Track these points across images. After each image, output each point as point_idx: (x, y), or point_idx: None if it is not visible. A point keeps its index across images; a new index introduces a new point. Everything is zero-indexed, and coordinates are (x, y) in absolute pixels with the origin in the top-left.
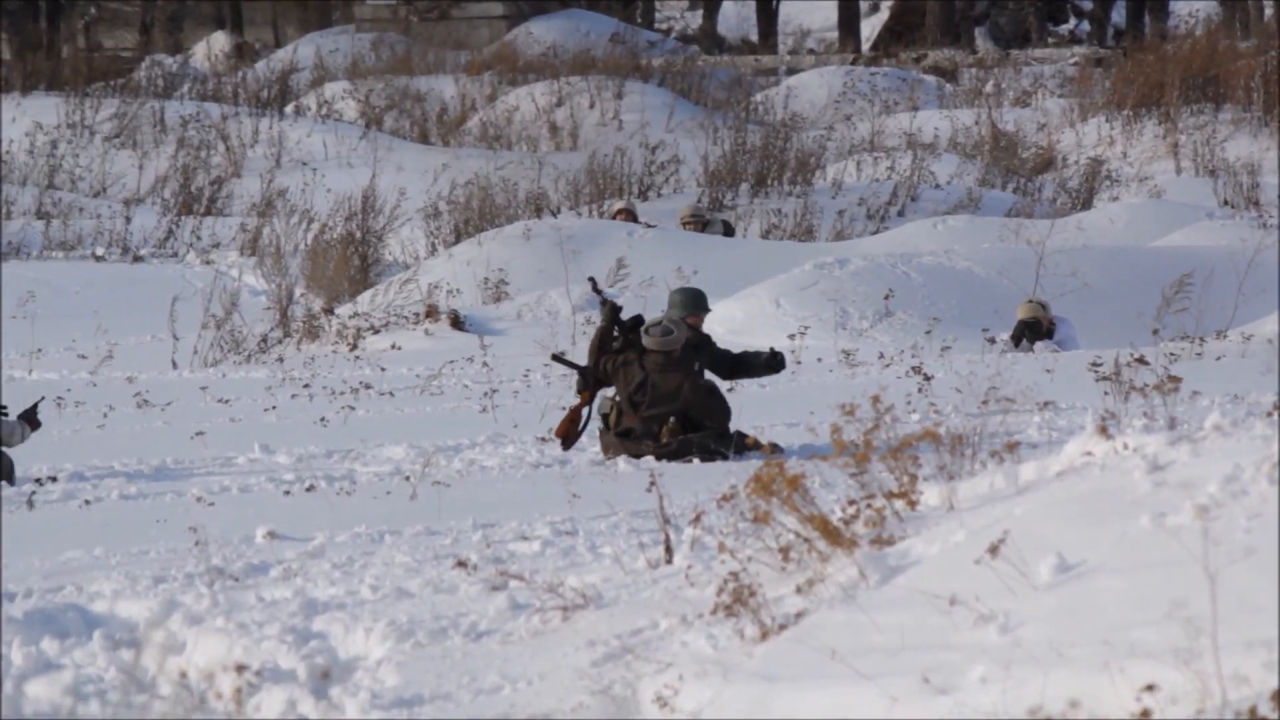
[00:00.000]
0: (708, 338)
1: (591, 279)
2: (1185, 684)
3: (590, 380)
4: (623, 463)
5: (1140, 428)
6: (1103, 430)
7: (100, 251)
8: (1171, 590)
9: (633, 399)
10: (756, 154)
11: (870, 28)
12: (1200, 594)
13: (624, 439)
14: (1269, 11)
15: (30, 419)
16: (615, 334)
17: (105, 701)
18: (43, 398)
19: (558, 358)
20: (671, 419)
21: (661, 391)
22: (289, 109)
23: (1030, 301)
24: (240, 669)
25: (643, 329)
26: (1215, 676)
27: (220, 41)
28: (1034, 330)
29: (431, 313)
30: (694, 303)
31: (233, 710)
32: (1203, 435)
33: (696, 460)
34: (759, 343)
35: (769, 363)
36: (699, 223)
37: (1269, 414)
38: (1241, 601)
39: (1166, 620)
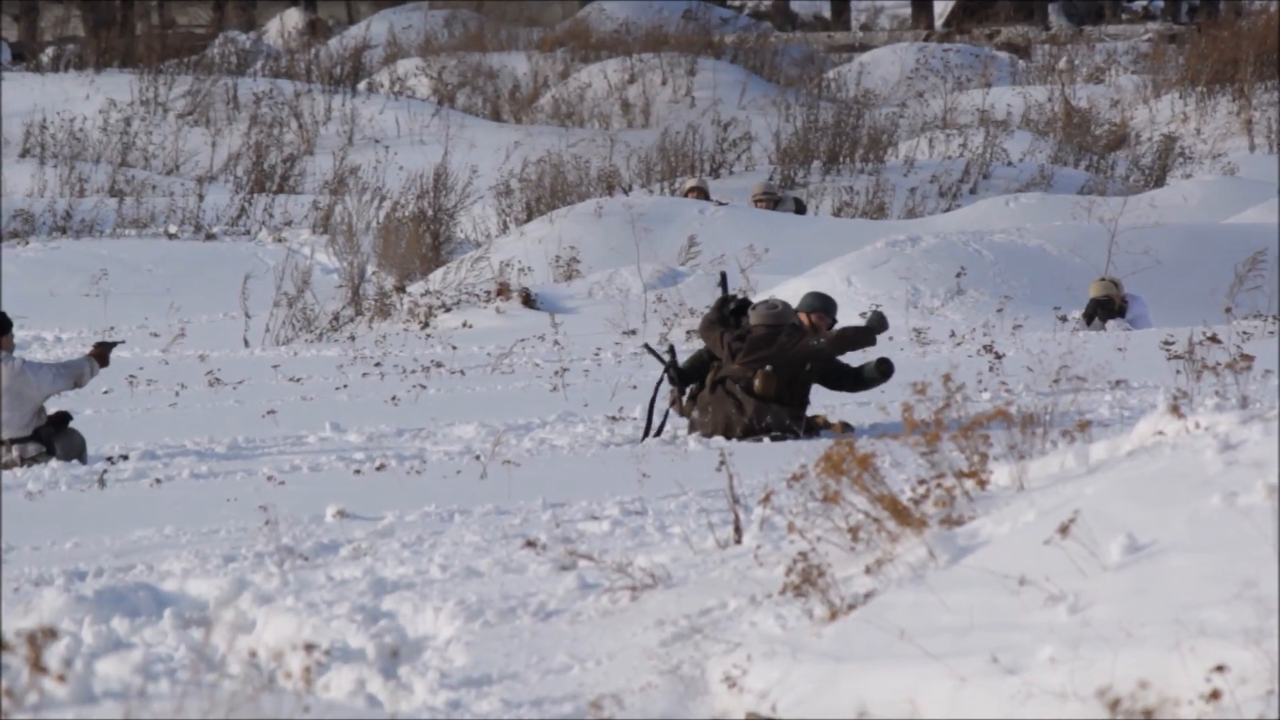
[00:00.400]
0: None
1: (723, 273)
2: (1255, 664)
3: (675, 376)
4: (693, 442)
5: (1212, 406)
6: (1174, 409)
7: (173, 229)
8: (1242, 570)
9: (732, 347)
10: (829, 131)
11: (943, 4)
12: (1271, 574)
13: (718, 390)
14: None
15: (102, 356)
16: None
17: (175, 680)
18: (123, 340)
19: (649, 348)
20: (768, 366)
21: (759, 338)
22: (361, 86)
23: (1103, 279)
24: (309, 648)
25: (751, 307)
26: None
27: (293, 18)
28: (1106, 308)
29: (503, 291)
30: (819, 302)
31: (302, 689)
32: (1275, 414)
33: (767, 440)
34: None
35: (880, 369)
36: (771, 200)
37: None
38: None
39: (1237, 600)
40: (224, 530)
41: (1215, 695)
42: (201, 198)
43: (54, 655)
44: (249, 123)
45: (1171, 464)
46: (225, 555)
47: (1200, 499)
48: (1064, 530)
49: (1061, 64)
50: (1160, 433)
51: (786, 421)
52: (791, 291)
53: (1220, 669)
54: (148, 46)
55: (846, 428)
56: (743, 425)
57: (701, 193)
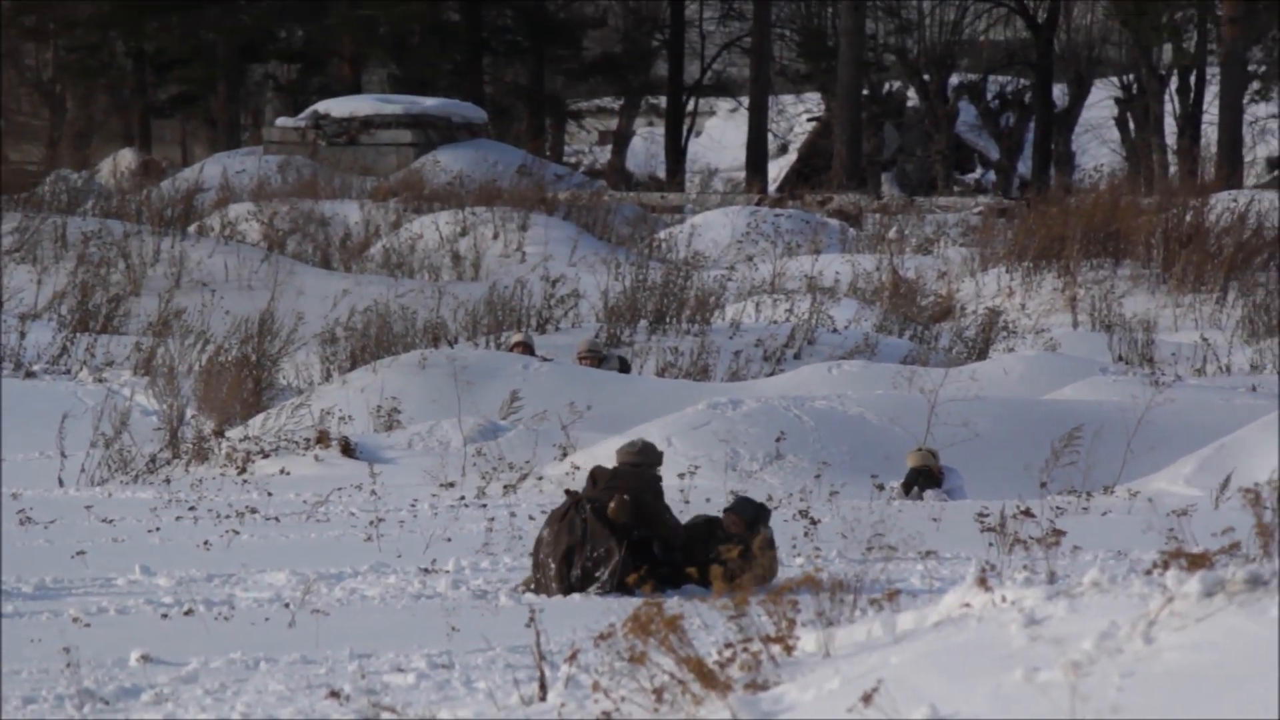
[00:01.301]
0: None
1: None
2: None
3: None
4: (504, 597)
5: (1021, 580)
6: (982, 582)
7: None
8: None
9: (595, 474)
10: (657, 291)
11: (778, 169)
12: None
13: (569, 515)
14: (1172, 169)
15: None
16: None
17: None
18: None
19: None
20: (623, 496)
21: (625, 472)
22: (192, 229)
23: (920, 449)
24: None
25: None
26: None
27: (127, 158)
28: (927, 478)
29: (323, 439)
30: (735, 503)
31: None
32: (1081, 591)
33: (576, 597)
34: None
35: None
36: (595, 358)
37: (1148, 571)
38: None
39: None
40: (25, 671)
41: None
42: (24, 335)
43: None
44: (76, 261)
45: (977, 637)
46: (25, 697)
47: (1003, 673)
48: (867, 699)
49: (891, 233)
50: (967, 605)
51: (616, 562)
52: (608, 451)
53: None
54: None
55: (657, 588)
56: (582, 556)
57: (526, 348)
